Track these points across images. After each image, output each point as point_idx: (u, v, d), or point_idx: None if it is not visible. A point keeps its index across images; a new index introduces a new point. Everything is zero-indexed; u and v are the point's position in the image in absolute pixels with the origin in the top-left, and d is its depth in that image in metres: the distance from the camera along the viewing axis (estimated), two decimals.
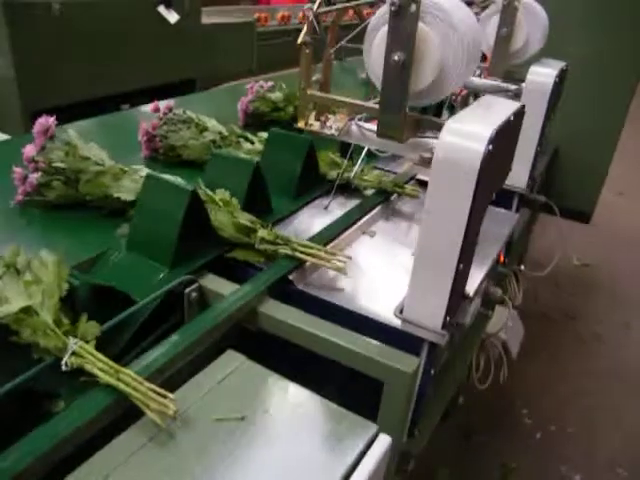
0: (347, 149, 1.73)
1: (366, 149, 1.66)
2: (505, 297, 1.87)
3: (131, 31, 3.40)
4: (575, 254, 4.14)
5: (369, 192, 1.66)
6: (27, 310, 0.89)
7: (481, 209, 1.13)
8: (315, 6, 1.25)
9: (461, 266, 1.10)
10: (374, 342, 1.12)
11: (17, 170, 1.37)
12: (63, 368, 0.86)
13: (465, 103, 2.65)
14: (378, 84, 1.18)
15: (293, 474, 0.83)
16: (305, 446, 0.88)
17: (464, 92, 2.46)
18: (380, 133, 1.18)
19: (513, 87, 1.99)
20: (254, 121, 2.07)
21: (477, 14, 2.17)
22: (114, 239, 1.27)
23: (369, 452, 0.88)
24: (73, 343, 0.86)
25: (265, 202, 1.45)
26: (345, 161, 1.67)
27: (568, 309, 3.52)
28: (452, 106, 2.55)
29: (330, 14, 1.38)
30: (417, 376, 1.10)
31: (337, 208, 1.60)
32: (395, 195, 1.69)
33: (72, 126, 1.75)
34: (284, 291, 1.25)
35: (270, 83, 2.13)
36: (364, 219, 1.54)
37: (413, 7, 1.04)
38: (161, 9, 3.62)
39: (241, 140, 1.69)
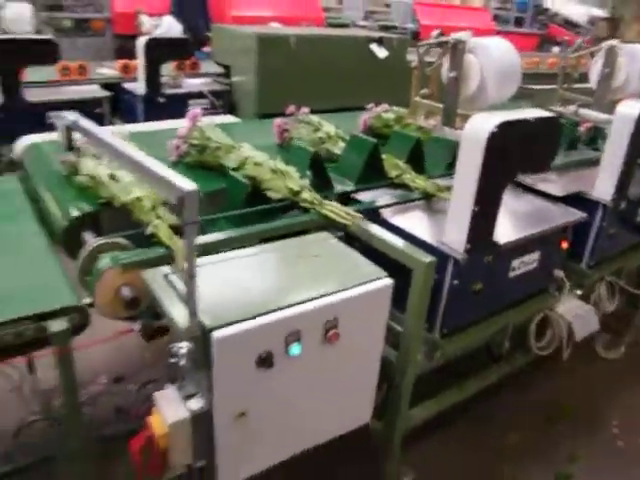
0: (419, 160, 2.40)
1: None
2: (566, 282, 2.37)
3: (345, 61, 4.45)
4: None
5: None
6: (138, 198, 1.79)
7: (495, 174, 1.78)
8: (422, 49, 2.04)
9: (476, 208, 1.77)
10: (411, 245, 1.84)
11: (171, 142, 2.30)
12: (146, 233, 1.71)
13: (591, 134, 3.13)
14: None
15: (314, 278, 1.62)
16: (331, 269, 1.68)
17: (589, 125, 2.96)
18: (443, 123, 1.91)
19: None
20: (369, 133, 2.76)
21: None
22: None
23: (366, 283, 1.61)
24: (157, 220, 1.72)
25: (325, 180, 2.18)
26: (405, 166, 2.30)
27: None
28: (578, 138, 3.04)
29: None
30: (432, 268, 1.78)
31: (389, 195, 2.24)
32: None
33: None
34: (376, 217, 2.05)
35: (394, 107, 2.84)
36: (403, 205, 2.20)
37: (461, 45, 1.77)
38: (373, 46, 4.63)
39: (339, 140, 2.50)
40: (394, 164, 2.30)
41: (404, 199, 2.22)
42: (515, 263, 2.11)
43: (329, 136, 2.52)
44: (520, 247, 2.07)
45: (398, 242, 1.86)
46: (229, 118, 3.40)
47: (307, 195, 1.98)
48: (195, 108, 2.37)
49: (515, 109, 2.28)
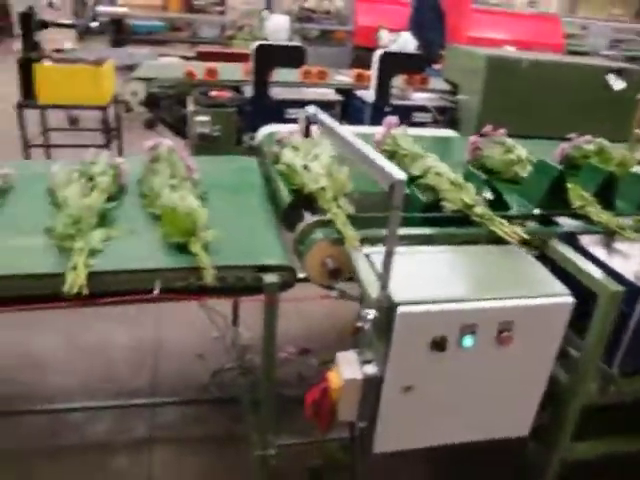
0: (609, 195, 2.32)
1: None
2: None
3: (573, 90, 4.35)
4: None
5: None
6: (323, 188, 2.02)
7: None
8: None
9: None
10: (600, 271, 1.87)
11: None
12: (325, 219, 1.93)
13: None
14: None
15: (497, 281, 1.78)
16: (516, 277, 1.80)
17: None
18: None
19: None
20: (566, 163, 2.72)
21: None
22: None
23: (548, 296, 1.69)
24: (336, 209, 1.93)
25: (501, 201, 2.20)
26: (591, 198, 2.24)
27: None
28: None
29: None
30: (619, 297, 1.79)
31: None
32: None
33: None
34: (573, 241, 2.10)
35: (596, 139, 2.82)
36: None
37: None
38: (609, 77, 4.47)
39: (529, 164, 2.53)
40: (579, 195, 2.29)
41: (583, 230, 2.20)
42: None
43: (519, 159, 2.59)
44: None
45: (588, 266, 1.90)
46: (447, 132, 3.61)
47: (479, 210, 2.08)
48: (392, 117, 2.64)
49: None
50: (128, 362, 3.24)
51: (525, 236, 1.98)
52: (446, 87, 4.75)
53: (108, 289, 1.80)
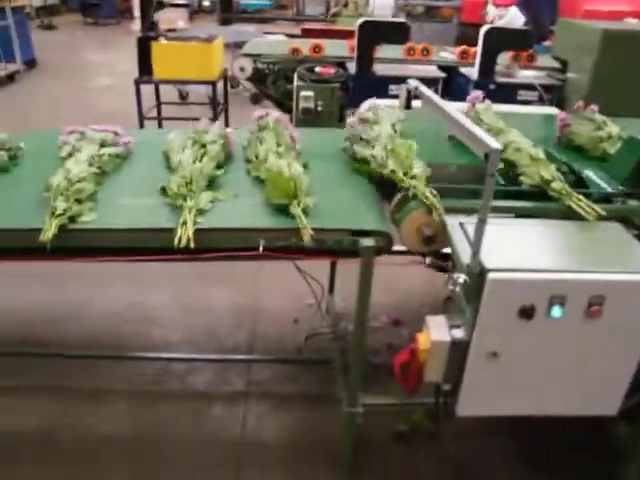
0: None
1: None
2: None
3: None
4: None
5: None
6: (392, 171, 2.07)
7: None
8: None
9: None
10: None
11: None
12: (409, 194, 1.99)
13: None
14: None
15: (590, 255, 1.80)
16: (610, 252, 1.81)
17: None
18: None
19: None
20: None
21: None
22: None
23: None
24: (413, 181, 1.98)
25: (579, 178, 2.19)
26: None
27: None
28: None
29: None
30: None
31: None
32: None
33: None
34: None
35: None
36: None
37: None
38: None
39: (618, 141, 2.44)
40: None
41: None
42: None
43: (609, 136, 2.53)
44: None
45: None
46: (550, 110, 3.54)
47: (556, 185, 2.06)
48: (477, 91, 2.70)
49: None
50: (229, 322, 3.49)
51: (602, 212, 1.97)
52: (555, 65, 4.62)
53: (213, 246, 1.97)
